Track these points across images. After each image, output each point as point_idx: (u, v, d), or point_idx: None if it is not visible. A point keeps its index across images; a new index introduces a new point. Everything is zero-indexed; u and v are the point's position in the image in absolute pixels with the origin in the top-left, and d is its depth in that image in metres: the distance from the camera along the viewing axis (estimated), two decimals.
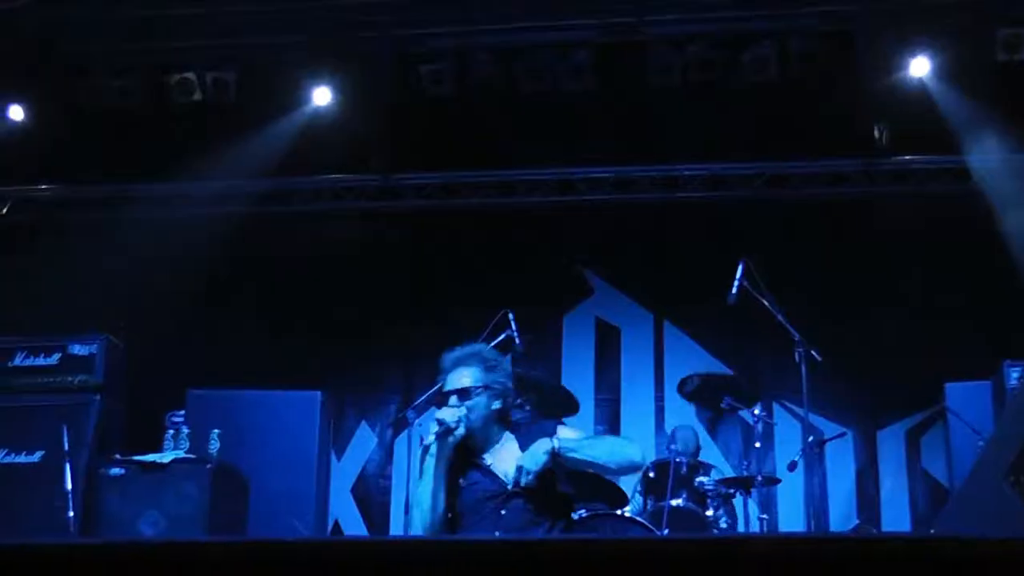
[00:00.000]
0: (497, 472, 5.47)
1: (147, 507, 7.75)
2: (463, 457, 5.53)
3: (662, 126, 9.95)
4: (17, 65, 9.76)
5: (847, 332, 9.48)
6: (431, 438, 5.48)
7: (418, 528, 5.46)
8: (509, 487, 5.37)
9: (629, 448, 5.57)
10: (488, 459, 5.54)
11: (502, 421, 5.64)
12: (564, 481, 5.50)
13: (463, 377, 5.56)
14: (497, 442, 5.58)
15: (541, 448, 5.32)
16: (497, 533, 5.25)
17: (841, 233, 10.07)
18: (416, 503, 5.53)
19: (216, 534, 7.63)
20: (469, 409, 5.49)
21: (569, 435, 5.48)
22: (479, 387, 5.53)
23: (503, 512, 5.35)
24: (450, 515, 5.44)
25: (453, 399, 5.54)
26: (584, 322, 10.44)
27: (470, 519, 5.41)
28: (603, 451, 5.49)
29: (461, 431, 5.45)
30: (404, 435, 9.78)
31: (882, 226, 9.99)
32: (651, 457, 5.50)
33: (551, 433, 5.45)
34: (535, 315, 9.31)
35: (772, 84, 9.48)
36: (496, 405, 5.59)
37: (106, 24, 9.36)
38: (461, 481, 5.50)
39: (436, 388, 6.02)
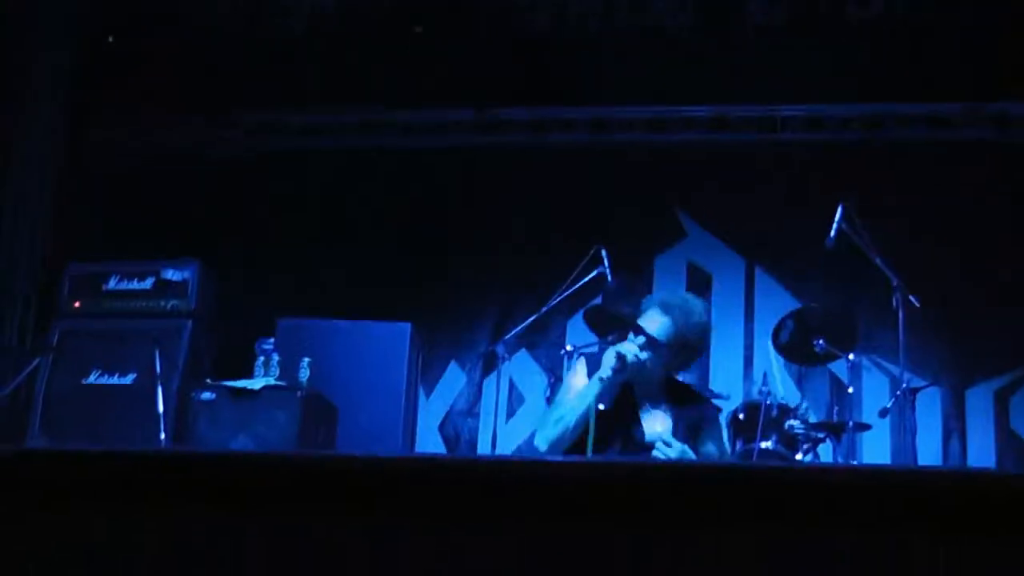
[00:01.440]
0: (645, 427, 5.35)
1: (237, 432, 7.73)
2: (622, 395, 5.40)
3: (761, 64, 9.75)
4: None
5: (942, 283, 9.28)
6: (608, 371, 5.27)
7: (541, 440, 5.34)
8: (646, 441, 5.25)
9: None
10: (642, 412, 5.42)
11: (667, 389, 5.50)
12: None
13: (658, 324, 5.38)
14: (653, 407, 5.44)
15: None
16: None
17: (942, 179, 9.78)
18: (556, 417, 5.35)
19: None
20: (646, 359, 5.36)
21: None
22: (667, 344, 5.36)
23: None
24: (585, 436, 5.23)
25: (640, 338, 5.38)
26: (676, 265, 10.28)
27: (599, 448, 5.21)
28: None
29: (628, 372, 5.32)
30: (493, 374, 9.81)
31: (985, 173, 9.74)
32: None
33: (713, 418, 5.51)
34: (627, 255, 9.20)
35: (876, 22, 9.33)
36: (672, 373, 5.48)
37: None
38: (604, 406, 5.31)
39: (627, 317, 5.78)
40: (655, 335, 5.35)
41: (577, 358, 5.90)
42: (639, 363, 5.33)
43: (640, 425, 5.37)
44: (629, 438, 5.31)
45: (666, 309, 5.42)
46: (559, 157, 10.38)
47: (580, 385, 5.43)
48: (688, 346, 5.44)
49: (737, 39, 9.71)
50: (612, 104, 10.31)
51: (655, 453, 5.13)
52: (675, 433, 5.28)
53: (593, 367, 5.45)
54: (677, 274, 10.25)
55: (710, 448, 5.40)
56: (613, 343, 7.66)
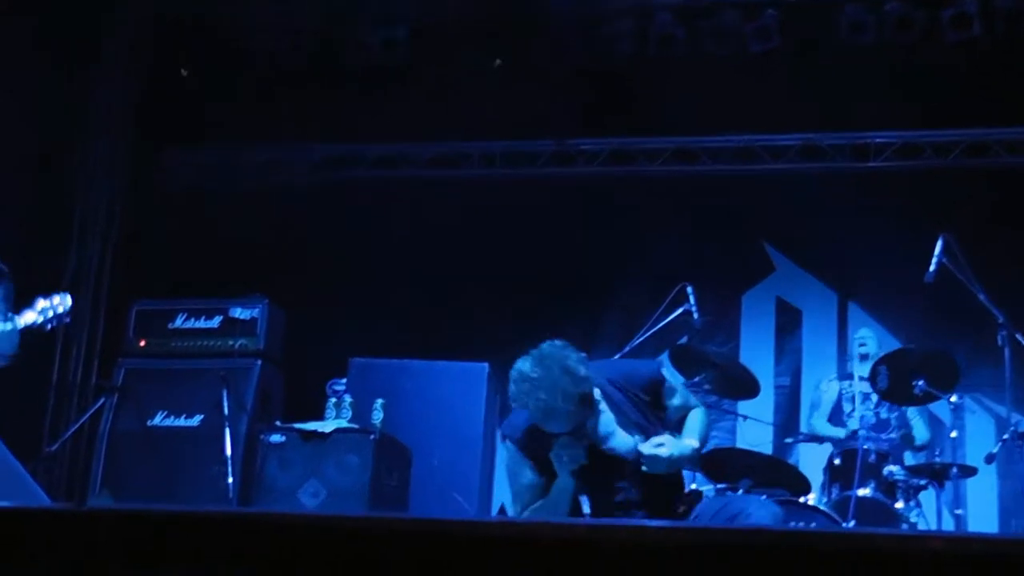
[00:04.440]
0: (619, 447, 5.21)
1: (307, 476, 7.56)
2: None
3: (853, 90, 9.42)
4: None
5: None
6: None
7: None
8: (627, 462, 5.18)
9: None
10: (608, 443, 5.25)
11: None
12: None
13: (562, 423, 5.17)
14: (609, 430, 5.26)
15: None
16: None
17: None
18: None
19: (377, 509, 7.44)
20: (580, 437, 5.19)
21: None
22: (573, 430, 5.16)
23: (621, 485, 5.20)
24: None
25: (562, 439, 5.20)
26: (764, 301, 9.96)
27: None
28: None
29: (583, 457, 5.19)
30: None
31: None
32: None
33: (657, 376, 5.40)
34: (713, 291, 8.89)
35: (974, 44, 8.98)
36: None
37: None
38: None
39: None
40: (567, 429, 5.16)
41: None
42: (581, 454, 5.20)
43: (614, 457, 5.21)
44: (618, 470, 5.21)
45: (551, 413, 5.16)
46: (642, 188, 10.08)
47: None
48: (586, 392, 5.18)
49: (827, 63, 9.43)
50: (697, 134, 10.01)
51: (648, 454, 5.09)
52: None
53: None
54: (766, 311, 9.89)
55: (676, 402, 5.39)
56: (700, 384, 7.42)
